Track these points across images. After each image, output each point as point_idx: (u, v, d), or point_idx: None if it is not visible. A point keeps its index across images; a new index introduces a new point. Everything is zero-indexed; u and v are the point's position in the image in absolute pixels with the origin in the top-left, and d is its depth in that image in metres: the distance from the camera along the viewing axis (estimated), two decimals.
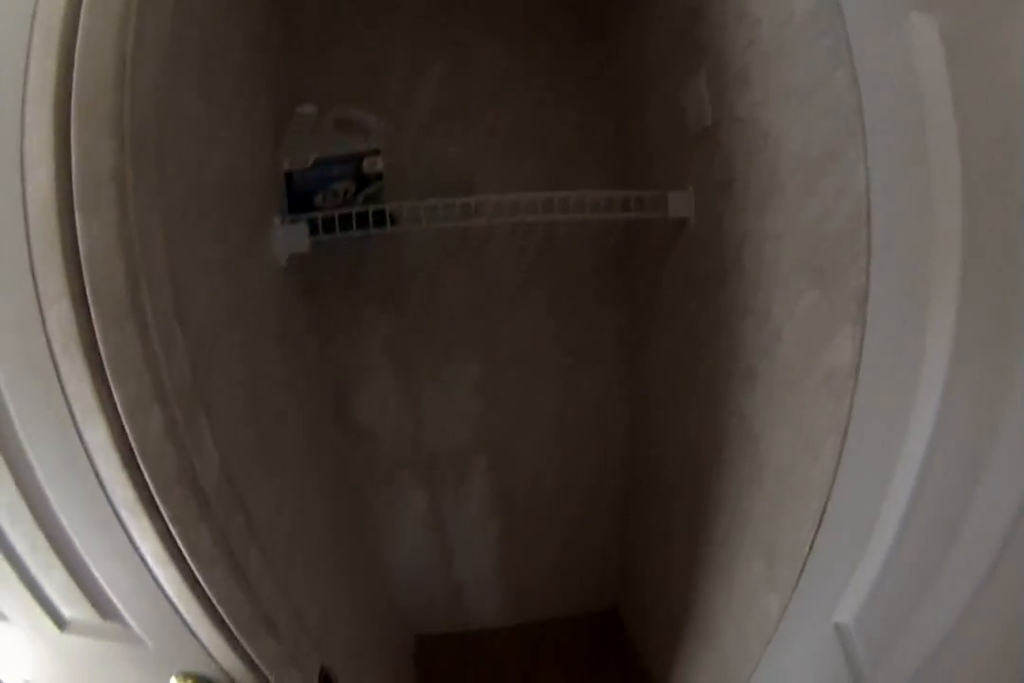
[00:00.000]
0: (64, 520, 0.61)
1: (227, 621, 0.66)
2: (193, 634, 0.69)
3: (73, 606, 0.70)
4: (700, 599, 1.49)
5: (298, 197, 1.16)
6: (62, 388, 0.52)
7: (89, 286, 0.49)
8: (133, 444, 0.53)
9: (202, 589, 0.63)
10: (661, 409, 1.61)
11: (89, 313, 0.49)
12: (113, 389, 0.51)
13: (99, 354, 0.50)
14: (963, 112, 0.57)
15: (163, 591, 0.64)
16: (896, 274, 0.73)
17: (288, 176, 1.16)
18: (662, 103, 1.32)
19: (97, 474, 0.56)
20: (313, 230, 1.11)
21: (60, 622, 0.72)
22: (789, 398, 1.03)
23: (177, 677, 0.74)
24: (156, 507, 0.57)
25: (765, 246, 1.03)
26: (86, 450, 0.54)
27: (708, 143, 1.16)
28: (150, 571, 0.63)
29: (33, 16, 0.49)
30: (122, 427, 0.52)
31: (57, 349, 0.50)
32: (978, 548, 0.56)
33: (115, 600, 0.68)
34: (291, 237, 1.11)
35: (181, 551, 0.60)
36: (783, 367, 1.04)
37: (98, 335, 0.50)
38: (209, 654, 0.71)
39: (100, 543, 0.62)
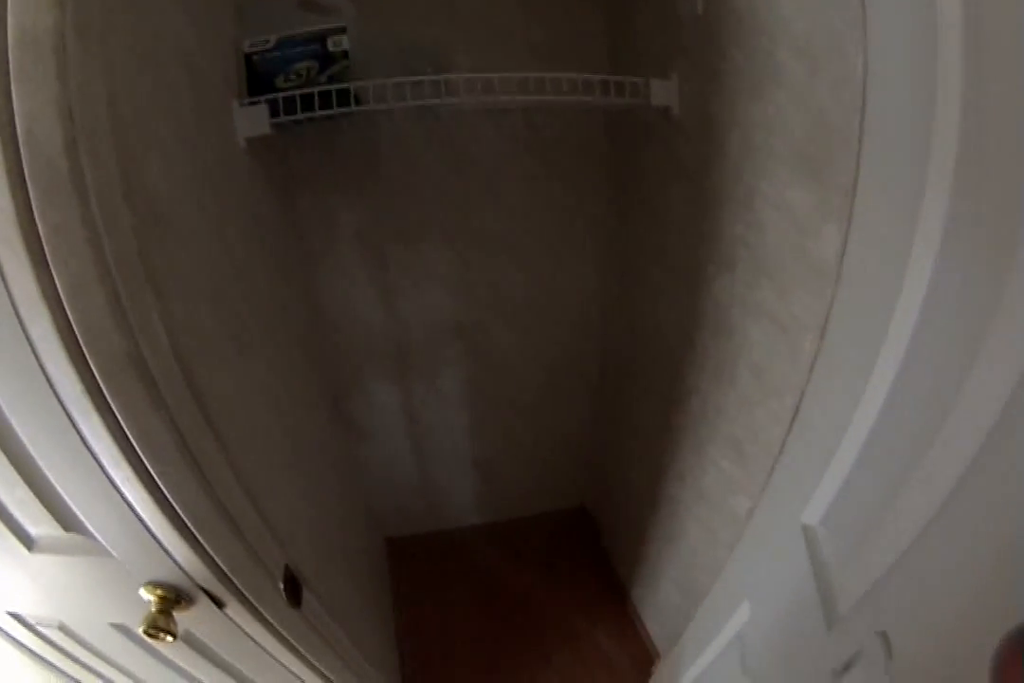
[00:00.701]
0: (18, 428, 0.57)
1: (185, 519, 0.63)
2: (155, 538, 0.66)
3: (37, 523, 0.68)
4: (667, 500, 1.54)
5: (259, 78, 1.08)
6: (3, 278, 0.45)
7: (27, 161, 0.42)
8: (76, 328, 0.47)
9: (158, 487, 0.60)
10: (634, 299, 1.61)
11: (28, 195, 0.43)
12: (53, 270, 0.45)
13: (39, 237, 0.44)
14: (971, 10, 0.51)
15: (121, 494, 0.61)
16: (886, 170, 0.69)
17: (248, 57, 1.07)
18: None
19: (45, 372, 0.51)
20: (274, 112, 1.04)
21: (27, 541, 0.70)
22: (769, 291, 1.02)
23: (146, 588, 0.73)
24: (105, 400, 0.52)
25: (754, 135, 1.00)
26: (32, 347, 0.49)
27: (699, 31, 1.09)
28: (106, 474, 0.59)
29: None
30: (65, 315, 0.47)
31: None
32: (951, 454, 0.55)
33: (76, 511, 0.65)
34: (250, 119, 1.03)
35: (134, 446, 0.56)
36: (764, 259, 1.02)
37: (36, 213, 0.43)
38: (172, 559, 0.69)
39: (55, 449, 0.59)
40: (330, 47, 1.05)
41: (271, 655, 0.92)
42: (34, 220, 0.44)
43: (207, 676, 0.96)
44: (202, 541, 0.66)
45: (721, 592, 1.18)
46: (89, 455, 0.57)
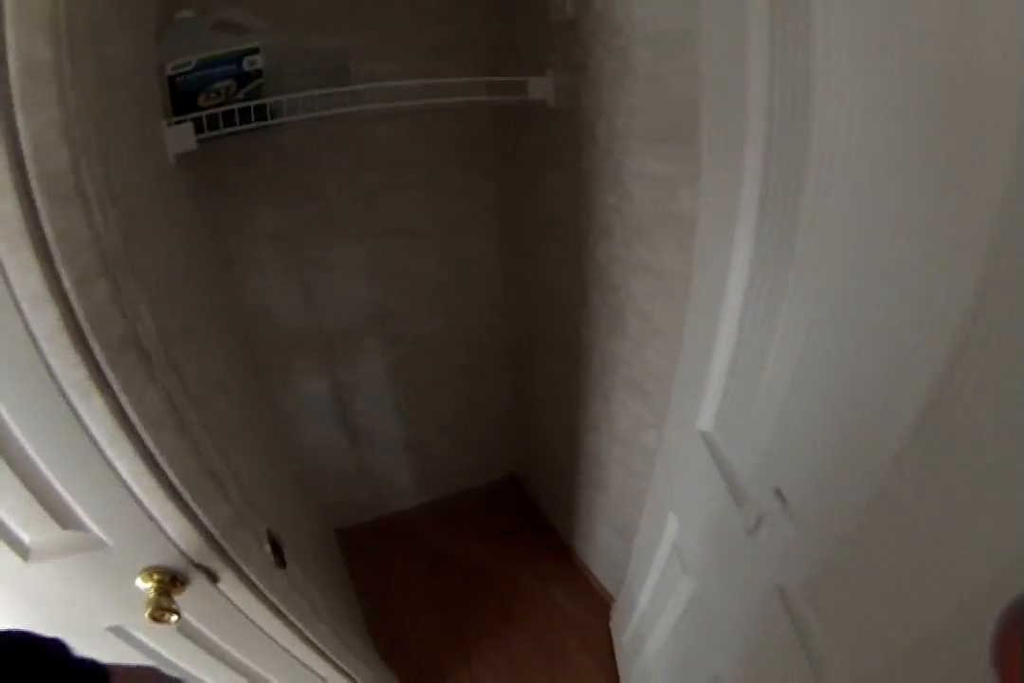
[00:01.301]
0: (16, 427, 0.62)
1: (178, 486, 0.71)
2: (150, 517, 0.73)
3: (33, 526, 0.70)
4: (587, 451, 1.71)
5: (182, 98, 1.15)
6: (5, 276, 0.53)
7: (34, 175, 0.49)
8: (81, 317, 0.55)
9: (153, 458, 0.67)
10: (531, 271, 1.78)
11: (33, 204, 0.50)
12: (60, 268, 0.53)
13: (45, 241, 0.51)
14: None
15: (118, 475, 0.67)
16: (720, 140, 0.86)
17: (171, 79, 1.14)
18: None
19: (46, 363, 0.57)
20: (199, 129, 1.12)
21: (22, 551, 0.72)
22: (643, 248, 1.20)
23: (142, 576, 0.78)
24: (106, 381, 0.60)
25: (616, 121, 1.17)
26: (33, 340, 0.55)
27: (568, 33, 1.25)
28: (104, 456, 0.65)
29: None
30: (70, 307, 0.55)
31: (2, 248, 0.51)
32: (787, 351, 0.73)
33: (73, 504, 0.70)
34: (177, 137, 1.10)
35: (132, 423, 0.63)
36: (636, 223, 1.20)
37: (44, 220, 0.51)
38: (166, 535, 0.75)
39: (53, 441, 0.64)
40: (245, 66, 1.14)
41: (263, 631, 0.98)
42: (40, 225, 0.51)
43: (207, 672, 1.01)
44: (194, 507, 0.73)
45: (650, 515, 1.34)
46: (88, 439, 0.63)
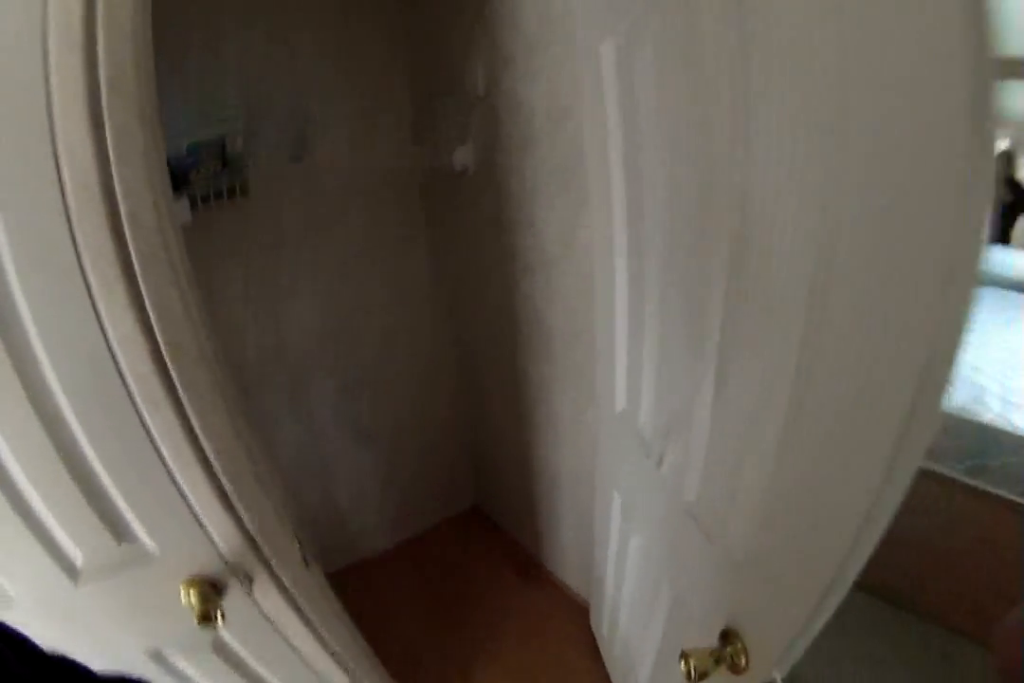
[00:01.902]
0: (88, 447, 0.73)
1: (229, 489, 0.84)
2: (198, 521, 0.85)
3: (85, 539, 0.78)
4: (540, 464, 1.91)
5: (177, 177, 1.32)
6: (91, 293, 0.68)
7: (125, 215, 0.66)
8: (156, 328, 0.71)
9: (211, 466, 0.81)
10: (470, 307, 2.02)
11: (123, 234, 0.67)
12: (141, 285, 0.69)
13: (131, 263, 0.68)
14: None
15: (176, 482, 0.80)
16: (598, 183, 1.14)
17: (168, 161, 1.32)
18: (450, 77, 1.65)
19: (122, 377, 0.71)
20: (192, 204, 1.32)
21: (73, 574, 0.79)
22: (559, 280, 1.48)
23: (184, 586, 0.87)
24: (176, 394, 0.75)
25: (526, 175, 1.45)
26: (112, 353, 0.70)
27: (484, 107, 1.53)
28: (165, 465, 0.78)
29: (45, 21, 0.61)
30: (148, 319, 0.71)
31: (94, 282, 0.67)
32: (654, 339, 0.94)
33: (129, 514, 0.80)
34: (178, 211, 1.27)
35: (195, 432, 0.78)
36: (548, 258, 1.48)
37: (131, 246, 0.68)
38: (210, 537, 0.87)
39: (121, 456, 0.75)
40: (228, 149, 1.34)
41: (290, 644, 1.08)
42: (127, 249, 0.67)
43: None
44: (239, 508, 0.86)
45: (600, 502, 1.50)
46: (154, 451, 0.76)
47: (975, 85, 0.39)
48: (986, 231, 0.43)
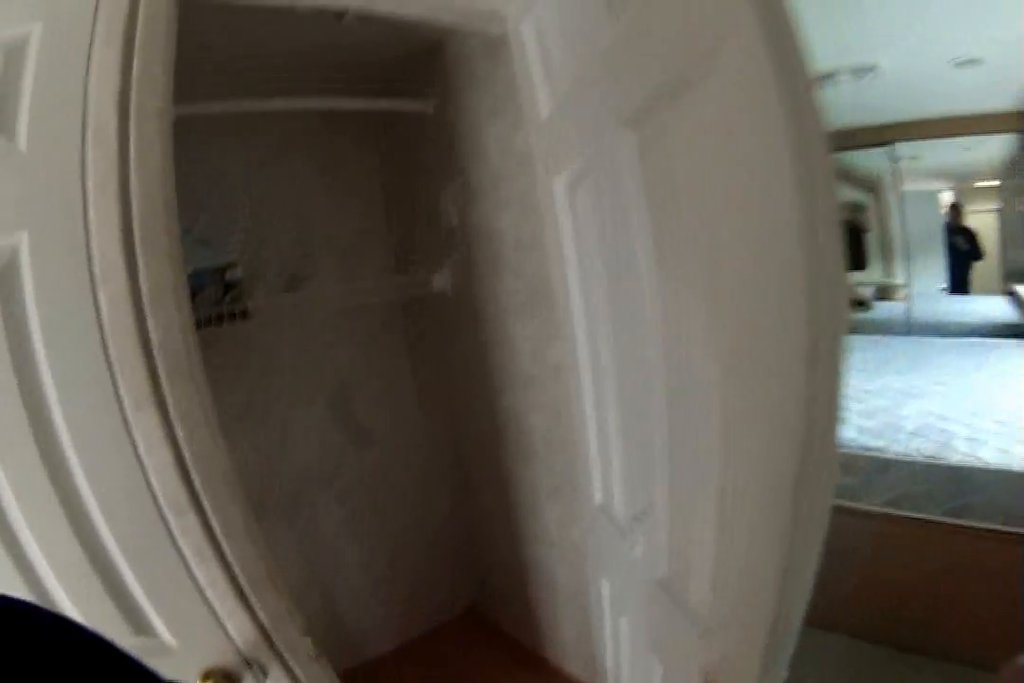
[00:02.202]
0: (115, 549, 0.82)
1: (245, 586, 0.92)
2: (216, 616, 0.91)
3: (102, 629, 0.81)
4: (534, 562, 1.96)
5: None
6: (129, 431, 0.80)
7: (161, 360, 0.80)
8: (188, 457, 0.83)
9: (229, 565, 0.90)
10: (459, 415, 2.12)
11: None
12: (174, 421, 0.81)
13: (159, 381, 0.81)
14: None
15: (196, 580, 0.88)
16: (560, 310, 1.29)
17: None
18: (427, 206, 1.84)
19: (148, 483, 0.82)
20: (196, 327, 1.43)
21: None
22: (536, 394, 1.61)
23: (200, 678, 0.91)
24: (199, 502, 0.85)
25: (500, 299, 1.62)
26: (139, 458, 0.81)
27: (458, 236, 1.71)
28: (187, 564, 0.87)
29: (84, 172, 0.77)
30: (179, 450, 0.82)
31: (128, 404, 0.80)
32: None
33: (149, 608, 0.87)
34: None
35: (215, 534, 0.88)
36: (524, 374, 1.62)
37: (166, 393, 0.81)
38: (226, 631, 0.93)
39: (144, 555, 0.84)
40: (227, 277, 1.50)
41: None
42: (156, 368, 0.80)
43: None
44: (254, 603, 0.94)
45: (593, 593, 1.54)
46: (175, 551, 0.85)
47: None
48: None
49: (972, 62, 2.73)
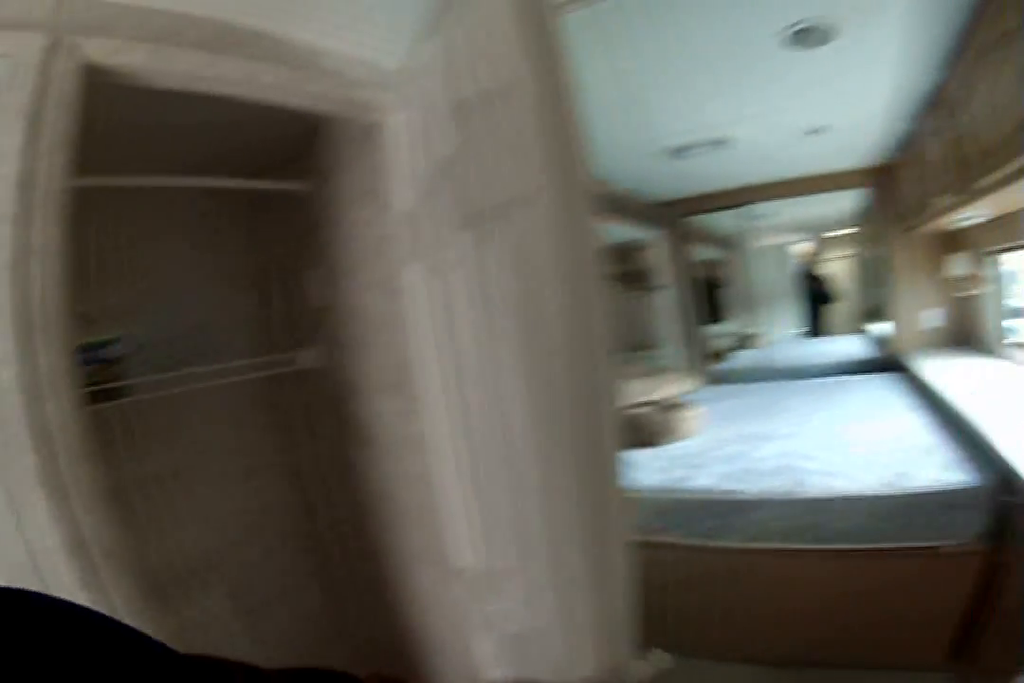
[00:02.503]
0: None
1: None
2: None
3: None
4: (414, 627, 1.95)
5: None
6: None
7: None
8: (74, 530, 0.88)
9: None
10: (333, 491, 2.11)
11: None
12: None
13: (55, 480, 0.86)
14: None
15: None
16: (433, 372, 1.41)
17: None
18: (297, 288, 1.91)
19: (35, 562, 0.87)
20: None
21: None
22: (402, 465, 1.66)
23: None
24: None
25: (365, 376, 1.70)
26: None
27: (325, 315, 1.79)
28: None
29: None
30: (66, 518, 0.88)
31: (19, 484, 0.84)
32: None
33: None
34: None
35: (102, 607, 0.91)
36: (392, 445, 1.69)
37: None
38: None
39: None
40: (109, 353, 1.55)
41: None
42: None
43: None
44: None
45: (476, 653, 1.58)
46: None
47: None
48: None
49: (821, 129, 3.05)
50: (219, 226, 2.00)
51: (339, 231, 1.67)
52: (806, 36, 1.92)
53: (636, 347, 4.70)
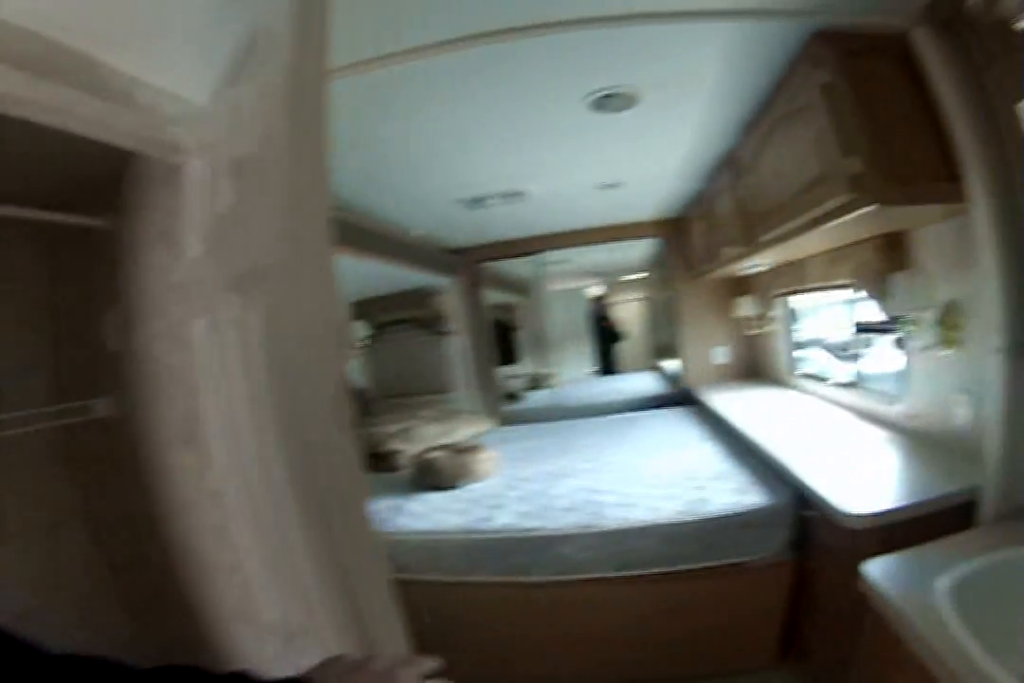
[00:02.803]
0: None
1: None
2: None
3: None
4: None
5: None
6: None
7: None
8: None
9: None
10: (134, 545, 1.88)
11: None
12: None
13: None
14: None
15: None
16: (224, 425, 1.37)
17: None
18: (92, 333, 1.71)
19: None
20: None
21: None
22: (199, 518, 1.55)
23: None
24: None
25: (159, 428, 1.56)
26: None
27: (121, 361, 1.63)
28: None
29: None
30: None
31: None
32: None
33: None
34: None
35: None
36: (188, 499, 1.56)
37: None
38: None
39: None
40: None
41: None
42: None
43: None
44: None
45: None
46: None
47: None
48: None
49: (614, 185, 3.26)
50: (14, 264, 1.77)
51: (136, 274, 1.54)
52: (610, 101, 2.06)
53: (432, 391, 4.74)
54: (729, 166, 2.76)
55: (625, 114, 2.18)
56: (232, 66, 1.13)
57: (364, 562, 1.08)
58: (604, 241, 4.61)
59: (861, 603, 1.37)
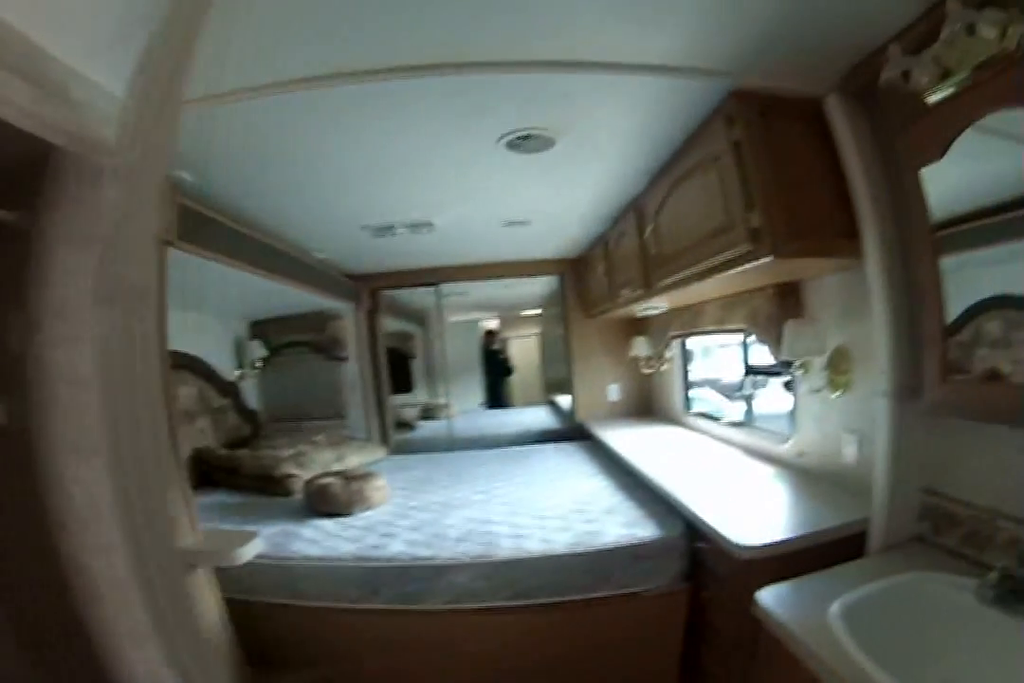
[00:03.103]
0: None
1: None
2: None
3: None
4: None
5: None
6: None
7: None
8: None
9: None
10: (22, 563, 1.66)
11: None
12: None
13: None
14: None
15: None
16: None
17: None
18: None
19: None
20: None
21: None
22: (92, 536, 1.46)
23: None
24: None
25: (54, 437, 1.44)
26: None
27: (17, 367, 1.45)
28: None
29: None
30: None
31: None
32: None
33: None
34: None
35: None
36: (80, 514, 1.45)
37: None
38: None
39: None
40: None
41: None
42: None
43: None
44: None
45: None
46: None
47: None
48: None
49: (522, 222, 3.34)
50: None
51: (42, 274, 1.43)
52: (526, 142, 2.12)
53: (326, 416, 4.63)
54: (635, 210, 2.88)
55: (540, 155, 2.25)
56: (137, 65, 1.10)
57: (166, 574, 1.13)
58: (504, 276, 4.71)
59: (757, 629, 1.44)
